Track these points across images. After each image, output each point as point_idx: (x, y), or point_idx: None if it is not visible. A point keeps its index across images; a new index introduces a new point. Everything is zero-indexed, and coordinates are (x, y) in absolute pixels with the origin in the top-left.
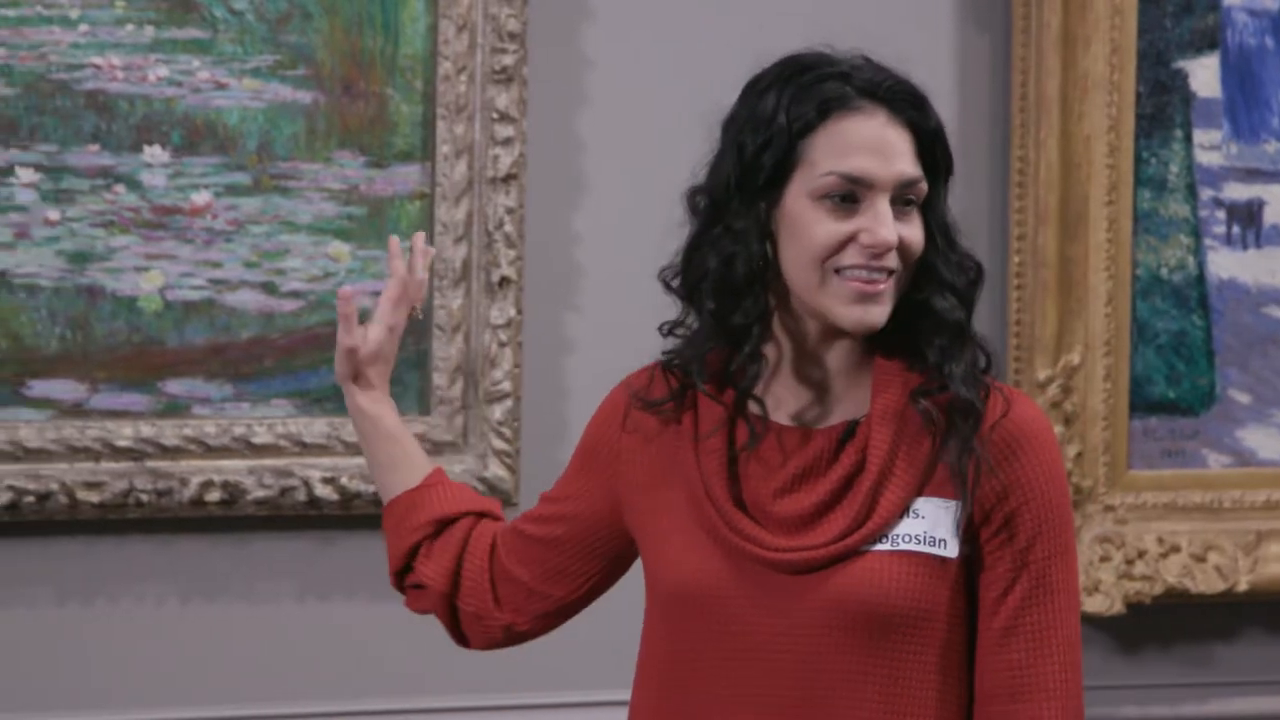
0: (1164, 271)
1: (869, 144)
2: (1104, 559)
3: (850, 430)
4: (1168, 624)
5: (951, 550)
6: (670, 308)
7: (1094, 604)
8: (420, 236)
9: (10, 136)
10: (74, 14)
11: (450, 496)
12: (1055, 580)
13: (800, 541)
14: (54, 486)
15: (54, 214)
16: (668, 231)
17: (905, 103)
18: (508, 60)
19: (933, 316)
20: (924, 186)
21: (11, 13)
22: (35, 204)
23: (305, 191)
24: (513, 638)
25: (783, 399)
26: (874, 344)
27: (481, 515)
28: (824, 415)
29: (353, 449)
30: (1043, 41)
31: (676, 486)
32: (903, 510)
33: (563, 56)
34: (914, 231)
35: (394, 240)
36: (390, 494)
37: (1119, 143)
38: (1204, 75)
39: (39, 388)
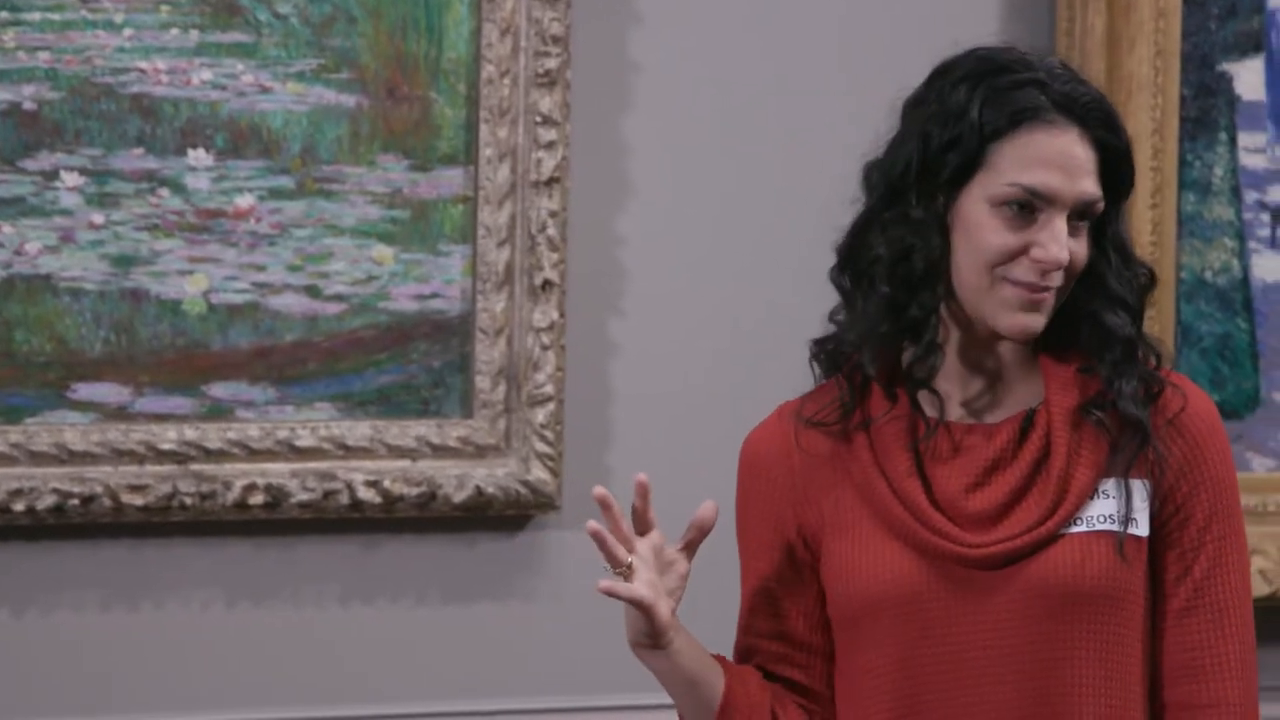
0: (1208, 275)
1: (1056, 160)
2: None
3: (1028, 419)
4: None
5: (1143, 529)
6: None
7: None
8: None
9: (55, 140)
10: (119, 18)
11: (746, 690)
12: (1230, 562)
13: (996, 534)
14: (98, 489)
15: (98, 217)
16: (712, 235)
17: (1099, 121)
18: (551, 64)
19: (1103, 331)
20: (1100, 206)
21: (56, 17)
22: (80, 207)
23: (349, 195)
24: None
25: (952, 394)
26: (1036, 341)
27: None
28: (995, 407)
29: (395, 452)
30: (1087, 43)
31: (856, 496)
32: (1093, 491)
33: (606, 60)
34: (1081, 248)
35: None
36: None
37: (1163, 145)
38: (1249, 78)
39: (83, 391)
